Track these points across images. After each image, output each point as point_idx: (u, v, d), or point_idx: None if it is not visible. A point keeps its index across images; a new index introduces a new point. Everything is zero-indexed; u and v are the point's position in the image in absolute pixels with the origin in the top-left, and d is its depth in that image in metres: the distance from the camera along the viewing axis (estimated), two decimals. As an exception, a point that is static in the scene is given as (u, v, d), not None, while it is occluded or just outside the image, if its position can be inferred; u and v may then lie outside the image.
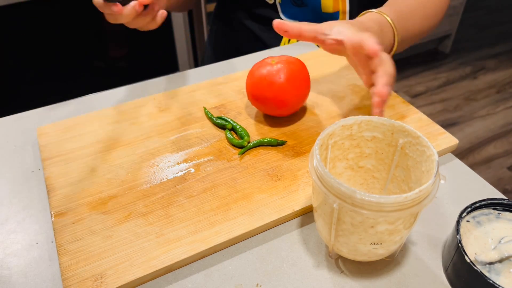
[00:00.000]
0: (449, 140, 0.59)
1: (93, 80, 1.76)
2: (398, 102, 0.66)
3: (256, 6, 0.86)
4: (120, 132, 0.60)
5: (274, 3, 0.84)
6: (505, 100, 2.18)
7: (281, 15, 0.85)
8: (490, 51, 2.53)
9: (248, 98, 0.61)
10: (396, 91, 0.57)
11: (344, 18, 0.83)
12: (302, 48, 0.80)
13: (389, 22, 0.62)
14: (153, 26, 0.63)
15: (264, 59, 0.60)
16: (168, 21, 1.70)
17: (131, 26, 0.61)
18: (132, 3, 0.57)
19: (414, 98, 2.19)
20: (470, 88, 2.27)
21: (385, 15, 0.62)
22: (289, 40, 0.86)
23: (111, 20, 0.58)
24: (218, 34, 0.97)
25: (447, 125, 2.02)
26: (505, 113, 2.10)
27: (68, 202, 0.51)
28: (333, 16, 0.83)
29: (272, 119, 0.62)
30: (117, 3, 0.56)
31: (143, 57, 1.85)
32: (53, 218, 0.49)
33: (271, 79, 0.57)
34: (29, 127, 0.63)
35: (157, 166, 0.55)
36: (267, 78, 0.57)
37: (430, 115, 2.03)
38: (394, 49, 0.63)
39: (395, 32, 0.62)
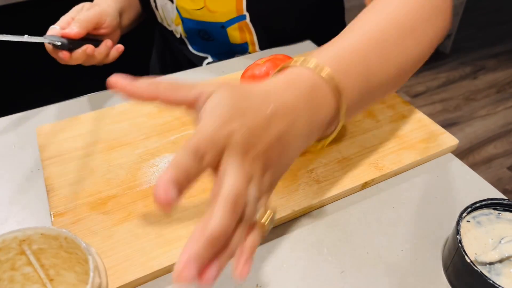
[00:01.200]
0: (449, 140, 0.59)
1: (93, 80, 1.76)
2: (398, 102, 0.66)
3: (171, 40, 0.85)
4: (120, 132, 0.60)
5: (181, 37, 0.82)
6: (505, 100, 2.18)
7: (190, 48, 0.83)
8: (490, 51, 2.53)
9: None
10: (396, 91, 0.57)
11: (254, 49, 0.79)
12: (303, 48, 0.80)
13: (325, 81, 0.37)
14: (109, 61, 0.65)
15: (255, 61, 0.60)
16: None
17: (86, 64, 0.64)
18: (83, 47, 0.60)
19: (414, 98, 2.19)
20: (470, 88, 2.27)
21: (321, 72, 0.37)
22: None
23: (62, 62, 0.62)
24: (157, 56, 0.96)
25: (447, 125, 2.02)
26: (505, 113, 2.11)
27: (67, 202, 0.51)
28: (243, 46, 0.80)
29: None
30: (64, 50, 0.61)
31: (143, 57, 1.85)
32: (52, 218, 0.49)
33: (262, 78, 0.57)
34: (29, 127, 0.63)
35: (157, 166, 0.55)
36: (258, 77, 0.57)
37: (430, 115, 2.03)
38: (340, 124, 0.40)
39: (340, 96, 0.38)
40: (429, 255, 0.47)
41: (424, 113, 0.65)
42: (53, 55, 0.61)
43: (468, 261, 0.40)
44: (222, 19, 0.75)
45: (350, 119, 0.45)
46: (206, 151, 0.30)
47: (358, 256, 0.46)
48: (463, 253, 0.41)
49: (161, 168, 0.55)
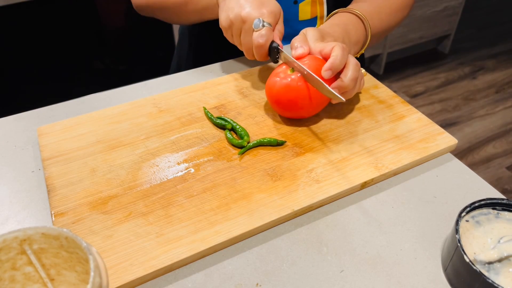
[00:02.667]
0: (448, 140, 0.59)
1: (93, 80, 1.76)
2: (397, 102, 0.66)
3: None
4: (120, 132, 0.60)
5: None
6: (504, 100, 2.18)
7: None
8: (489, 51, 2.53)
9: (272, 104, 0.61)
10: (395, 91, 0.57)
11: (322, 23, 0.82)
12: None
13: (360, 17, 0.68)
14: None
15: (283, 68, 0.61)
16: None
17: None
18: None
19: (413, 98, 2.19)
20: (469, 88, 2.27)
21: (355, 11, 0.68)
22: None
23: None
24: (184, 48, 0.95)
25: (446, 125, 2.03)
26: (504, 113, 2.11)
27: (68, 202, 0.51)
28: (310, 22, 0.82)
29: (271, 120, 0.63)
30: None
31: (143, 57, 1.85)
32: (53, 218, 0.49)
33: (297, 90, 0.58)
34: (30, 127, 0.64)
35: (157, 166, 0.55)
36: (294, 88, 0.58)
37: (429, 115, 2.03)
38: (368, 41, 0.70)
39: (367, 26, 0.68)
40: (428, 255, 0.47)
41: (423, 113, 0.65)
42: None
43: (467, 260, 0.40)
44: None
45: (374, 43, 0.74)
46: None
47: (358, 256, 0.47)
48: (462, 252, 0.41)
49: (161, 168, 0.55)
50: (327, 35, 0.63)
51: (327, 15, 0.81)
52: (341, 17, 0.69)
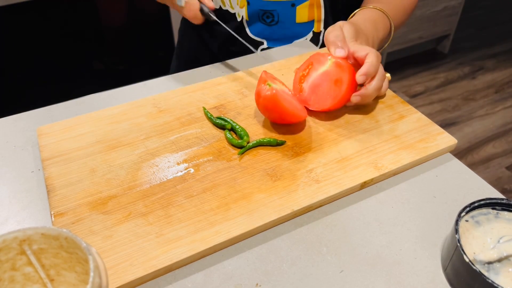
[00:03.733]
0: (448, 140, 0.59)
1: (93, 80, 1.76)
2: (396, 102, 0.66)
3: (228, 22, 0.85)
4: (120, 132, 0.60)
5: (241, 20, 0.82)
6: (504, 100, 2.18)
7: (248, 32, 0.84)
8: (488, 51, 2.53)
9: (260, 109, 0.61)
10: (395, 91, 0.57)
11: (319, 27, 0.83)
12: (302, 49, 0.80)
13: (385, 13, 0.71)
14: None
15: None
16: (167, 21, 1.70)
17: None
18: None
19: (413, 98, 2.19)
20: (469, 88, 2.27)
21: (379, 9, 0.71)
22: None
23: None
24: (184, 47, 0.96)
25: (446, 125, 2.03)
26: (504, 113, 2.11)
27: (68, 202, 0.51)
28: (307, 25, 0.82)
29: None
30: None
31: (143, 57, 1.85)
32: (53, 218, 0.49)
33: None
34: (29, 128, 0.64)
35: (157, 166, 0.55)
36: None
37: (429, 115, 2.03)
38: (391, 36, 0.74)
39: (391, 21, 0.72)
40: (428, 255, 0.47)
41: (423, 113, 0.65)
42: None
43: (467, 260, 0.40)
44: None
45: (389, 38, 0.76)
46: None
47: (357, 256, 0.47)
48: (462, 252, 0.41)
49: (161, 168, 0.55)
50: (360, 32, 0.65)
51: (324, 19, 0.81)
52: (371, 12, 0.71)
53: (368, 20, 0.70)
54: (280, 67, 0.73)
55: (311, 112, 0.63)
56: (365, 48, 0.60)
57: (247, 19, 0.82)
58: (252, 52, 0.79)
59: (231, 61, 0.78)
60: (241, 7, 0.81)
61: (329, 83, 0.60)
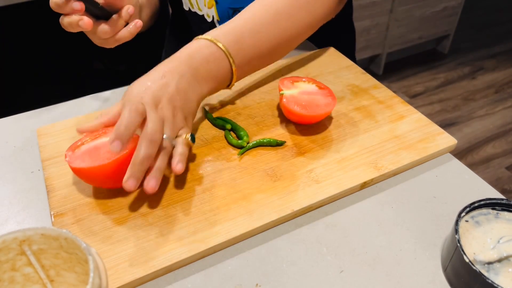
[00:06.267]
0: (448, 140, 0.59)
1: (93, 81, 1.76)
2: (396, 102, 0.66)
3: (194, 30, 0.83)
4: (120, 133, 0.60)
5: (212, 20, 0.81)
6: (504, 100, 2.19)
7: None
8: (488, 52, 2.54)
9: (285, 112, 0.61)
10: (394, 92, 0.57)
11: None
12: (301, 50, 0.80)
13: (222, 49, 0.55)
14: (126, 38, 0.60)
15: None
16: (167, 21, 1.69)
17: (102, 36, 0.59)
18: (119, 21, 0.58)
19: (412, 98, 2.19)
20: (469, 88, 2.27)
21: (217, 42, 0.55)
22: None
23: (83, 27, 0.55)
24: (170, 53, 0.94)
25: (446, 125, 2.03)
26: (504, 113, 2.11)
27: (67, 203, 0.51)
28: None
29: (271, 120, 0.63)
30: (89, 17, 0.55)
31: (143, 57, 1.85)
32: (53, 219, 0.49)
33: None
34: (29, 128, 0.64)
35: (157, 166, 0.55)
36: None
37: (429, 115, 2.03)
38: (234, 77, 0.58)
39: (231, 60, 0.56)
40: (428, 255, 0.47)
41: (423, 113, 0.65)
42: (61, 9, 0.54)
43: (467, 260, 0.40)
44: None
45: (244, 76, 0.61)
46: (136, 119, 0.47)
47: (357, 256, 0.47)
48: (462, 252, 0.41)
49: (160, 169, 0.55)
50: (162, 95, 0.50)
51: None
52: (194, 51, 0.55)
53: (183, 62, 0.53)
54: (280, 66, 0.73)
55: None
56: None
57: (218, 19, 0.80)
58: None
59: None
60: (210, 7, 0.79)
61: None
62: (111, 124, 0.51)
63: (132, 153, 0.47)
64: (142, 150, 0.46)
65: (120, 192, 0.52)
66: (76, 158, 0.49)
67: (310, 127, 0.61)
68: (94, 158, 0.48)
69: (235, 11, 0.78)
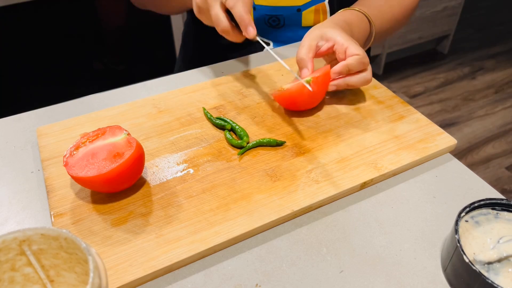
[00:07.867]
0: (448, 140, 0.59)
1: (93, 81, 1.76)
2: (396, 102, 0.66)
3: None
4: (120, 133, 0.60)
5: None
6: (504, 100, 2.19)
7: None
8: (488, 52, 2.53)
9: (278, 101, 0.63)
10: (394, 92, 0.57)
11: None
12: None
13: (366, 16, 0.71)
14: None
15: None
16: (167, 21, 1.70)
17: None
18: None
19: (412, 98, 2.19)
20: (469, 88, 2.27)
21: (361, 11, 0.71)
22: None
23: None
24: (188, 48, 0.96)
25: (446, 125, 2.03)
26: (504, 113, 2.11)
27: (67, 203, 0.51)
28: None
29: (271, 120, 0.63)
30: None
31: (143, 57, 1.85)
32: (52, 219, 0.49)
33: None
34: (29, 128, 0.64)
35: (157, 166, 0.55)
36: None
37: (429, 116, 2.03)
38: (372, 39, 0.74)
39: (372, 24, 0.72)
40: (427, 255, 0.47)
41: (423, 113, 0.65)
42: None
43: (467, 260, 0.40)
44: (300, 2, 0.81)
45: (376, 43, 0.77)
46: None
47: (357, 256, 0.47)
48: (462, 252, 0.41)
49: (160, 169, 0.55)
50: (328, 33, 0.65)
51: None
52: (350, 15, 0.70)
53: (344, 21, 0.68)
54: (280, 67, 0.73)
55: (310, 112, 0.63)
56: (350, 46, 0.61)
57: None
58: (255, 51, 0.80)
59: (231, 61, 0.78)
60: None
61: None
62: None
63: (128, 169, 0.49)
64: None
65: (120, 192, 0.52)
66: (74, 164, 0.49)
67: (310, 127, 0.61)
68: (91, 165, 0.49)
69: (271, 17, 0.83)
